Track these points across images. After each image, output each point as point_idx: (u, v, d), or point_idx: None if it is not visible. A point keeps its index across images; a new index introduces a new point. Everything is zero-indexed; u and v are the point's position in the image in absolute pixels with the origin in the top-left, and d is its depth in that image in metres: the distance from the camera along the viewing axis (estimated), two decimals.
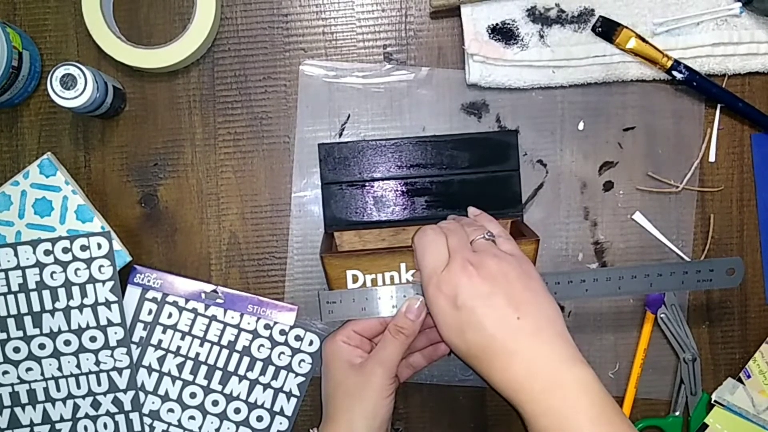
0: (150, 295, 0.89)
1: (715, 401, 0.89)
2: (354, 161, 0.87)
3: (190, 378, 0.89)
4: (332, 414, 0.76)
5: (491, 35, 0.87)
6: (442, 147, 0.87)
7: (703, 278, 0.78)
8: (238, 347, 0.89)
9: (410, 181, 0.87)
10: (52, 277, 0.85)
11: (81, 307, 0.86)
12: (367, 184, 0.87)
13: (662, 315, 0.90)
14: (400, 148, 0.87)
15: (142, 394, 0.89)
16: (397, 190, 0.87)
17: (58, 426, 0.87)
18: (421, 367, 0.81)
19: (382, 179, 0.87)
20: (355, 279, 0.79)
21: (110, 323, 0.86)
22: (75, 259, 0.85)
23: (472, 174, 0.87)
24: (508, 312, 0.67)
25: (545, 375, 0.64)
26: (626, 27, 0.86)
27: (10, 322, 0.85)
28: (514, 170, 0.88)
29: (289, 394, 0.90)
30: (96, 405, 0.87)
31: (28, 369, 0.86)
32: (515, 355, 0.65)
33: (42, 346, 0.86)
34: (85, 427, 0.87)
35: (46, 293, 0.85)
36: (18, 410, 0.86)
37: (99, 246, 0.85)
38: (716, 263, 0.79)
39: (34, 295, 0.85)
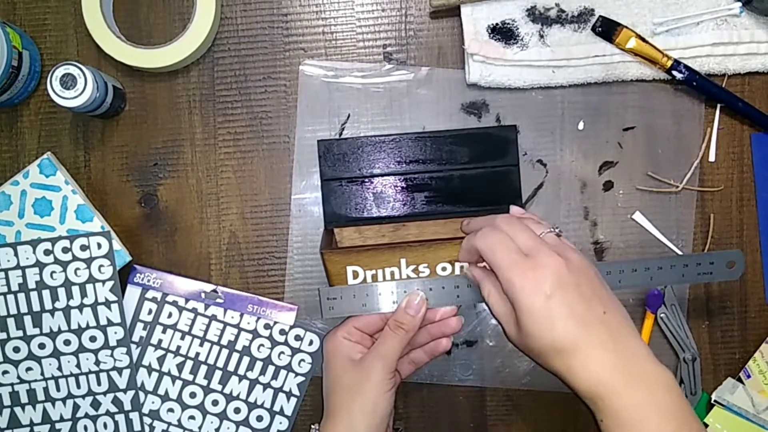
0: (150, 294, 0.89)
1: (715, 401, 0.89)
2: (353, 157, 0.87)
3: (190, 378, 0.89)
4: (333, 410, 0.76)
5: (491, 35, 0.87)
6: (442, 142, 0.87)
7: (704, 271, 0.78)
8: (238, 347, 0.89)
9: (410, 177, 0.87)
10: (52, 276, 0.85)
11: (81, 307, 0.86)
12: (366, 180, 0.87)
13: (662, 314, 0.90)
14: (400, 144, 0.87)
15: (142, 394, 0.88)
16: (397, 186, 0.87)
17: (58, 426, 0.87)
18: (422, 363, 0.81)
19: (382, 175, 0.87)
20: (355, 275, 0.79)
21: (110, 323, 0.86)
22: (75, 258, 0.85)
23: (472, 169, 0.87)
24: (596, 304, 0.66)
25: (630, 369, 0.64)
26: (626, 27, 0.86)
27: (10, 321, 0.85)
28: (513, 165, 0.88)
29: (288, 394, 0.89)
30: (96, 405, 0.87)
31: (28, 369, 0.86)
32: (601, 348, 0.64)
33: (42, 346, 0.86)
34: (85, 427, 0.87)
35: (46, 293, 0.85)
36: (18, 410, 0.86)
37: (99, 246, 0.85)
38: (716, 256, 0.78)
39: (34, 295, 0.85)
